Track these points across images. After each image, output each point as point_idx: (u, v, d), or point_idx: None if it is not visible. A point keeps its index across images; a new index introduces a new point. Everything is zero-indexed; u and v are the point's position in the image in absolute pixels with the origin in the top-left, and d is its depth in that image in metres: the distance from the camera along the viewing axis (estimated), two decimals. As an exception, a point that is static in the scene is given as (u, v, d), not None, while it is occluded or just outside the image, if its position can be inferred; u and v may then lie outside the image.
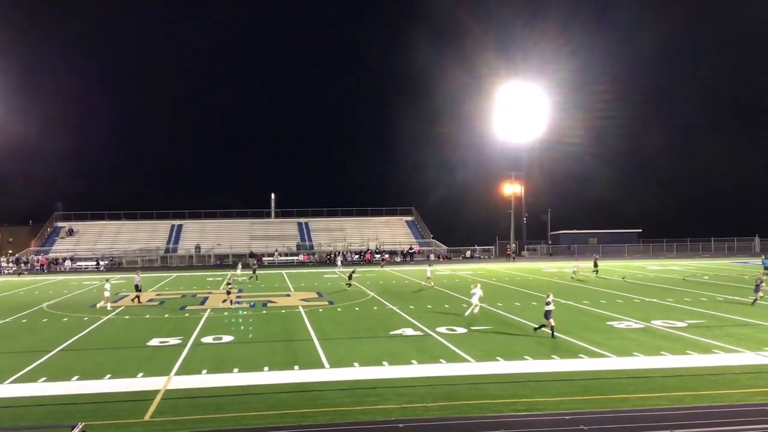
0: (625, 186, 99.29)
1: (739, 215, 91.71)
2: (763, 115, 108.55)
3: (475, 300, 31.65)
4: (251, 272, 57.81)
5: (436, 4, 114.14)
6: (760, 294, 33.62)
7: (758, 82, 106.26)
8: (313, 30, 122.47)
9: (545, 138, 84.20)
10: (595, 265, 55.10)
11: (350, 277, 46.69)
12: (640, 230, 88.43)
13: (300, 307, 35.70)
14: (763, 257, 50.60)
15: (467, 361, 21.67)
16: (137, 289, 39.80)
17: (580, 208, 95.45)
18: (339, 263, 66.66)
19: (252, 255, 76.52)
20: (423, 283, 47.69)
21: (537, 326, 26.67)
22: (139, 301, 38.96)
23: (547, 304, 25.59)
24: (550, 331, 25.28)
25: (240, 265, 61.00)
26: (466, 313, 31.69)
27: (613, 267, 61.41)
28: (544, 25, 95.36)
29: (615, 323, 28.71)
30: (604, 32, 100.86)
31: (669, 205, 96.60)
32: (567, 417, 15.43)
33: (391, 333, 27.13)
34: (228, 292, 37.83)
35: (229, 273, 57.37)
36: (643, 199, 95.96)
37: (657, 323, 28.27)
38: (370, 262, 74.88)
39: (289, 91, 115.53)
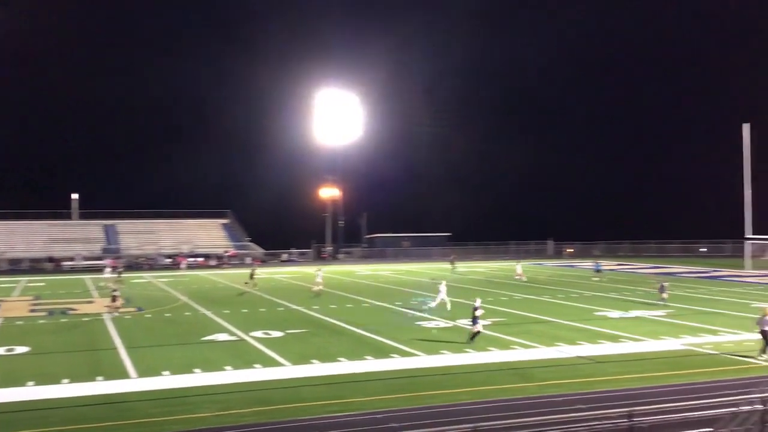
0: (436, 191, 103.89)
1: (536, 219, 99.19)
2: (559, 121, 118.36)
3: (443, 295, 33.95)
4: (117, 275, 53.60)
5: (254, 7, 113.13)
6: (665, 295, 35.56)
7: (552, 91, 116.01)
8: (134, 28, 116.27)
9: (361, 142, 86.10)
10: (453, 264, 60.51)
11: (252, 276, 47.08)
12: (450, 233, 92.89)
13: (105, 315, 33.70)
14: (597, 263, 55.41)
15: (283, 365, 21.59)
16: None
17: (394, 212, 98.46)
18: (107, 272, 59.45)
19: (51, 260, 71.08)
20: (314, 287, 46.10)
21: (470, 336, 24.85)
22: None
23: (475, 309, 24.73)
24: (470, 337, 24.46)
25: (108, 269, 56.15)
26: (433, 304, 34.11)
27: (423, 269, 63.97)
28: (359, 33, 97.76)
29: (425, 323, 29.92)
30: (414, 41, 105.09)
31: (474, 210, 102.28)
32: (379, 416, 15.83)
33: (204, 339, 26.41)
34: (114, 299, 34.33)
35: (101, 277, 52.43)
36: (452, 204, 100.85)
37: (463, 322, 29.79)
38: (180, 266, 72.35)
39: (95, 83, 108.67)
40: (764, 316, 21.90)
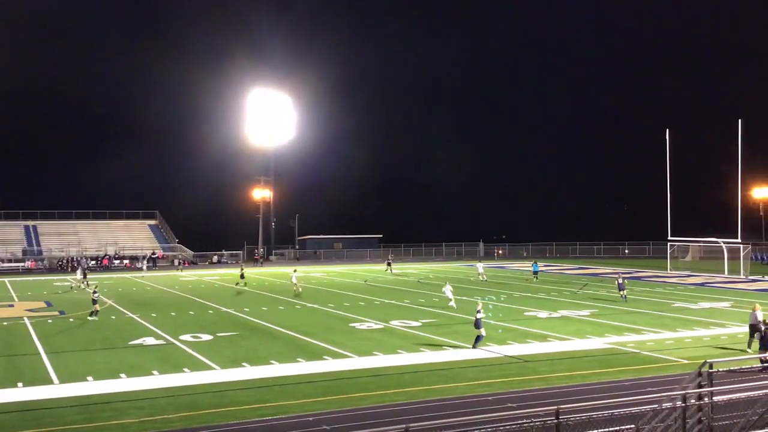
0: (368, 192, 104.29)
1: (466, 221, 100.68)
2: (488, 127, 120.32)
3: (449, 295, 35.18)
4: (82, 276, 51.55)
5: (183, 6, 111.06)
6: (624, 292, 37.51)
7: (483, 95, 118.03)
8: (57, 22, 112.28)
9: (293, 144, 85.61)
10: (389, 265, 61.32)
11: (242, 276, 49.14)
12: (381, 235, 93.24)
13: (25, 318, 32.44)
14: (533, 262, 56.37)
15: (212, 368, 21.22)
16: None
17: (326, 214, 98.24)
18: (78, 273, 59.14)
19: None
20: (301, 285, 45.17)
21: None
22: None
23: (478, 312, 24.28)
24: (476, 340, 23.95)
25: (80, 270, 53.82)
26: (450, 305, 34.60)
27: (357, 271, 63.99)
28: (292, 32, 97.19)
29: (357, 324, 29.91)
30: (346, 43, 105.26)
31: (406, 211, 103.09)
32: (310, 418, 15.73)
33: (131, 343, 25.72)
34: (94, 301, 32.86)
35: (72, 279, 50.18)
36: (384, 205, 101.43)
37: (395, 323, 29.94)
38: (108, 268, 70.38)
39: (16, 80, 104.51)
40: (753, 311, 22.81)
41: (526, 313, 33.30)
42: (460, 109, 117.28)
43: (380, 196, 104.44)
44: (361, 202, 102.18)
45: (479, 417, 12.12)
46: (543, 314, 32.88)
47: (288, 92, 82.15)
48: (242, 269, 52.94)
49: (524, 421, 10.97)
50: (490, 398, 17.34)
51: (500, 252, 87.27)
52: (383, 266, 63.13)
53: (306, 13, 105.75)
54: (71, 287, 48.86)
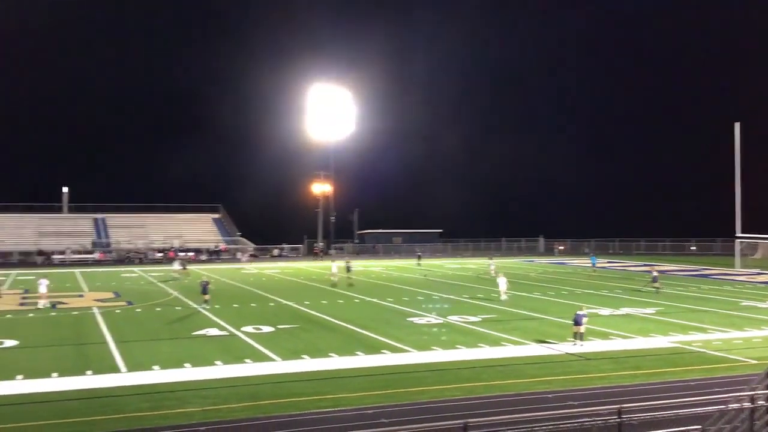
0: (427, 187, 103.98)
1: (527, 217, 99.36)
2: (547, 122, 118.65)
3: (502, 287, 35.91)
4: (182, 267, 53.63)
5: (245, 4, 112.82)
6: (657, 284, 39.14)
7: (543, 87, 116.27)
8: (122, 18, 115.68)
9: (353, 139, 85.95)
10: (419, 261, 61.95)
11: (348, 270, 47.48)
12: (441, 230, 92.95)
13: (95, 309, 33.56)
14: (592, 255, 56.08)
15: (273, 360, 21.55)
16: None
17: (385, 208, 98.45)
18: (176, 264, 61.26)
19: (41, 253, 70.71)
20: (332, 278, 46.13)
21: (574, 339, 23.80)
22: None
23: (581, 313, 23.56)
24: (578, 339, 23.35)
25: (178, 261, 56.13)
26: (502, 298, 35.47)
27: (416, 266, 63.97)
28: (351, 28, 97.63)
29: (416, 319, 29.92)
30: (406, 37, 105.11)
31: (466, 206, 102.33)
32: (369, 411, 15.82)
33: (195, 333, 26.32)
34: (204, 291, 33.99)
35: (173, 270, 52.58)
36: (444, 200, 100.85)
37: (454, 318, 29.84)
38: (173, 261, 72.06)
39: (87, 76, 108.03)
40: None
41: (587, 310, 32.67)
42: (523, 101, 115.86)
43: (440, 190, 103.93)
44: (421, 196, 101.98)
45: (539, 414, 12.00)
46: (605, 311, 32.28)
47: (348, 87, 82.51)
48: (348, 262, 50.70)
49: (585, 419, 10.81)
50: (550, 396, 17.12)
51: (561, 248, 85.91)
52: (438, 261, 62.93)
53: (366, 7, 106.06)
54: (175, 277, 50.17)
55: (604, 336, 25.61)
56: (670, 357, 21.98)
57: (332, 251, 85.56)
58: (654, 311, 32.23)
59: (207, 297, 33.98)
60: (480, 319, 29.61)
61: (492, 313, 31.60)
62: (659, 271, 42.44)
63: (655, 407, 11.51)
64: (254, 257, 70.25)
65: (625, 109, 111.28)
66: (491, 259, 56.43)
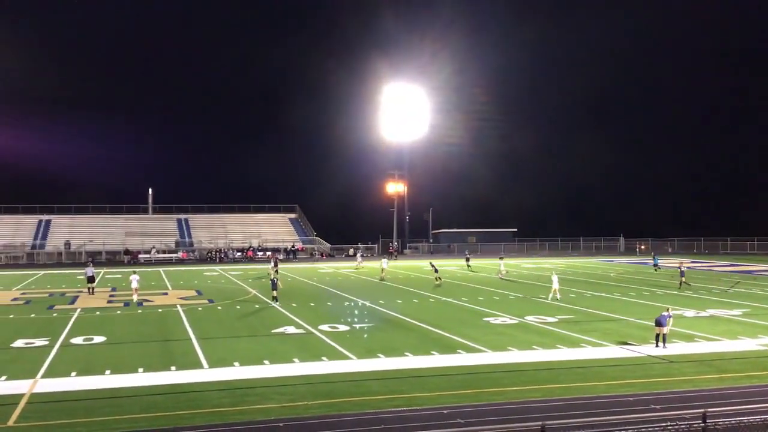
0: (502, 186, 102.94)
1: (606, 215, 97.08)
2: (625, 119, 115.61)
3: (555, 285, 36.09)
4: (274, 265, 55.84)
5: (321, 6, 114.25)
6: (683, 278, 40.95)
7: (620, 87, 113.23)
8: (195, 19, 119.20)
9: (427, 138, 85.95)
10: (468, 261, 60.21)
11: (436, 270, 46.46)
12: (516, 229, 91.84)
13: (178, 306, 34.66)
14: (653, 255, 55.00)
15: (349, 358, 21.75)
16: (91, 281, 40.13)
17: (460, 208, 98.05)
18: (359, 257, 64.79)
19: (127, 252, 73.57)
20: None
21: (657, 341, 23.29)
22: (92, 293, 39.57)
23: (666, 314, 23.14)
24: (661, 341, 22.95)
25: (273, 261, 58.59)
26: (549, 297, 35.69)
27: (491, 265, 63.43)
28: (424, 28, 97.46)
29: (491, 319, 29.67)
30: (480, 36, 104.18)
31: (542, 205, 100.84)
32: (445, 411, 15.78)
33: (273, 331, 26.84)
34: (274, 287, 35.87)
35: (267, 268, 54.76)
36: (519, 199, 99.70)
37: (530, 319, 29.45)
38: (252, 260, 73.81)
39: (172, 82, 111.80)
40: None
41: (671, 312, 31.66)
42: (601, 100, 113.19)
43: (515, 189, 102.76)
44: (496, 196, 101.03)
45: (620, 417, 11.72)
46: (690, 313, 31.23)
47: (422, 86, 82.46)
48: (431, 264, 49.83)
49: (668, 423, 10.50)
50: (631, 399, 16.68)
51: (642, 247, 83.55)
52: (514, 261, 62.09)
53: (440, 7, 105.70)
54: (271, 276, 51.53)
55: (689, 338, 24.78)
56: (758, 360, 21.08)
57: (407, 251, 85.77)
58: (741, 313, 30.99)
59: (275, 293, 35.39)
60: (557, 320, 29.12)
61: (570, 314, 31.02)
62: (747, 272, 40.94)
63: (742, 412, 11.08)
64: (365, 257, 70.78)
65: (711, 103, 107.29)
66: (501, 258, 54.25)
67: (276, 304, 34.33)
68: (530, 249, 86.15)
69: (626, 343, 23.82)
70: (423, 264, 65.47)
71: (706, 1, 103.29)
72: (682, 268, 42.06)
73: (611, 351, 22.73)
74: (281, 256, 69.63)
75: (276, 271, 51.74)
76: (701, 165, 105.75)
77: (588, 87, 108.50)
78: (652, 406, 15.64)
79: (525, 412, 15.45)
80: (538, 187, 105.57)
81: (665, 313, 23.03)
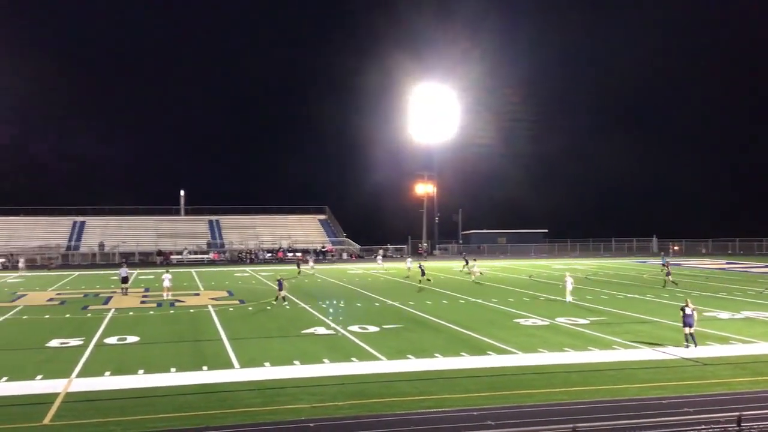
0: (532, 187, 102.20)
1: (638, 216, 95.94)
2: (656, 120, 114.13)
3: (569, 287, 35.79)
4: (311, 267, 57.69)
5: (351, 5, 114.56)
6: (670, 277, 42.08)
7: (652, 87, 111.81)
8: (225, 20, 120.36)
9: (457, 139, 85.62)
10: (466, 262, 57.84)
11: (423, 273, 46.65)
12: (546, 230, 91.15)
13: (209, 306, 35.01)
14: (662, 254, 54.37)
15: (379, 359, 21.79)
16: (125, 281, 41.12)
17: (489, 209, 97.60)
18: (380, 259, 65.48)
19: (159, 253, 74.48)
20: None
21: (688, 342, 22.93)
22: (126, 293, 40.47)
23: (687, 310, 22.73)
24: (690, 339, 22.68)
25: (311, 261, 59.69)
26: (567, 300, 35.24)
27: (520, 266, 63.09)
28: (455, 27, 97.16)
29: (521, 320, 29.49)
30: (511, 37, 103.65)
31: (573, 206, 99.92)
32: (475, 413, 15.73)
33: (303, 332, 26.98)
34: (281, 287, 36.15)
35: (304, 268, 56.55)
36: (549, 200, 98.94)
37: (561, 320, 29.21)
38: (282, 261, 74.24)
39: (201, 84, 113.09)
40: None
41: (705, 314, 31.17)
42: (633, 100, 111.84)
43: (546, 190, 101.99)
44: (526, 197, 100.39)
45: (652, 420, 11.59)
46: (724, 315, 30.73)
47: (452, 87, 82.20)
48: (468, 262, 50.58)
49: (702, 427, 10.36)
50: (664, 402, 16.46)
51: (676, 248, 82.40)
52: (544, 262, 61.60)
53: (470, 6, 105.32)
54: (308, 273, 54.58)
55: (723, 341, 24.38)
56: (796, 364, 20.66)
57: (436, 251, 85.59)
58: (778, 315, 30.41)
59: (283, 293, 35.73)
60: (588, 322, 28.86)
61: (601, 316, 30.72)
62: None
63: (779, 417, 10.89)
64: (390, 258, 70.89)
65: (745, 103, 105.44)
66: (475, 260, 52.81)
67: (284, 304, 35.09)
68: (561, 250, 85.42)
69: (659, 345, 23.51)
70: (453, 265, 65.34)
71: (740, 3, 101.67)
72: (666, 264, 44.28)
73: (643, 353, 22.46)
74: (311, 258, 69.91)
75: (299, 272, 52.41)
76: (736, 165, 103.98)
77: (620, 87, 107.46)
78: (686, 410, 15.41)
79: (556, 415, 15.33)
80: (569, 187, 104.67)
81: (688, 311, 22.68)
